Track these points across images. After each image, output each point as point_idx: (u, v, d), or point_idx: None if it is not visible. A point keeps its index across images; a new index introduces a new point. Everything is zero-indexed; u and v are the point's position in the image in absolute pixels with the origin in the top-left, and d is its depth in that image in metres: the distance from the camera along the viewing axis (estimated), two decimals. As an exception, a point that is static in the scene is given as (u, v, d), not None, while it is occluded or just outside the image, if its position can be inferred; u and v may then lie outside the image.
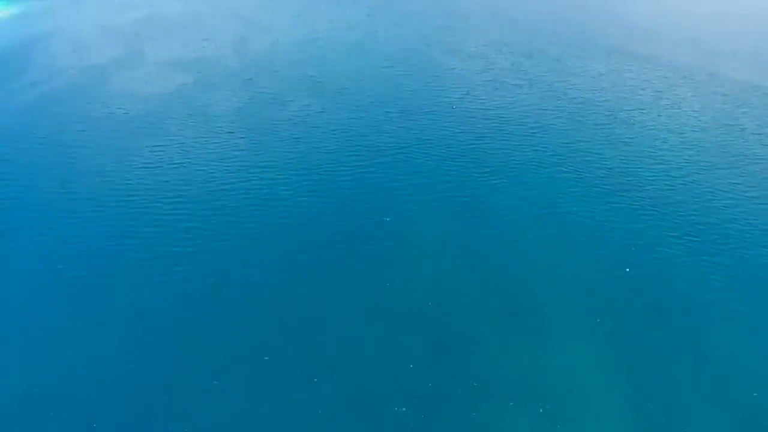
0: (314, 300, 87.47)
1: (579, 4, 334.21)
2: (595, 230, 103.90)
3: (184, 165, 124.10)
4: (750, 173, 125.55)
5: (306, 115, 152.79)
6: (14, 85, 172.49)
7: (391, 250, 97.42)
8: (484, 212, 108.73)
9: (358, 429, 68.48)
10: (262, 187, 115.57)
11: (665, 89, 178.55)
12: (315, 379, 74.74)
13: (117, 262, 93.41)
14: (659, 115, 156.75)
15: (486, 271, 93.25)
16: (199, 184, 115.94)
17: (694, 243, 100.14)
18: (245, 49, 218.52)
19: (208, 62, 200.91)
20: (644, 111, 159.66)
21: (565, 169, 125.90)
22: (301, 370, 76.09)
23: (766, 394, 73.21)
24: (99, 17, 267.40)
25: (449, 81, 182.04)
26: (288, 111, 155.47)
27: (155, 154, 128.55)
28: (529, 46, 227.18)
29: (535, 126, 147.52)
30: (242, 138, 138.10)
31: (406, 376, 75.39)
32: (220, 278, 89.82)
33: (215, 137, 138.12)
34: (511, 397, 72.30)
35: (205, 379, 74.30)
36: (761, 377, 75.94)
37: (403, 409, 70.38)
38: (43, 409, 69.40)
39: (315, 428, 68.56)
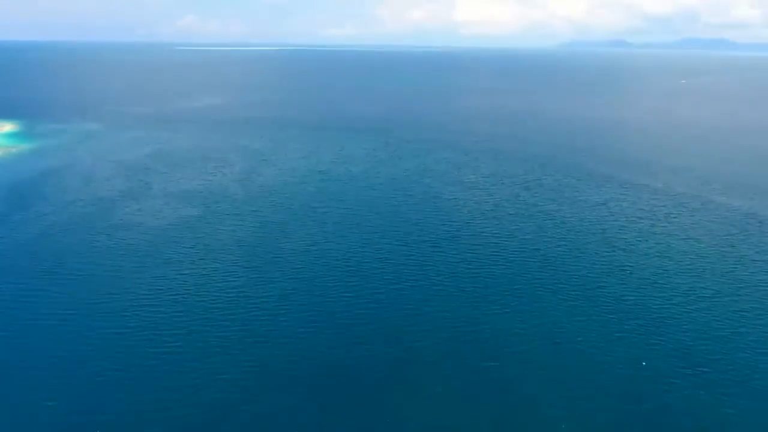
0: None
1: (572, 133, 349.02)
2: (599, 360, 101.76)
3: (185, 297, 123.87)
4: (753, 300, 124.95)
5: (309, 246, 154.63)
6: (23, 215, 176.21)
7: (389, 387, 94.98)
8: (488, 342, 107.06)
9: None
10: (263, 319, 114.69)
11: (662, 217, 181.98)
12: None
13: (106, 397, 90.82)
14: (657, 243, 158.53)
15: (488, 404, 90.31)
16: (200, 317, 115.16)
17: (704, 374, 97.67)
18: (250, 181, 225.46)
19: (214, 194, 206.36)
20: (642, 239, 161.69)
21: (565, 297, 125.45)
22: None
23: None
24: (110, 153, 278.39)
25: (450, 211, 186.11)
26: (291, 242, 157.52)
27: (156, 286, 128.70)
28: (527, 176, 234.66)
29: (535, 254, 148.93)
30: (245, 269, 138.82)
31: None
32: (218, 414, 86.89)
33: (218, 268, 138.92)
34: None
35: None
36: None
37: None
38: None
39: None
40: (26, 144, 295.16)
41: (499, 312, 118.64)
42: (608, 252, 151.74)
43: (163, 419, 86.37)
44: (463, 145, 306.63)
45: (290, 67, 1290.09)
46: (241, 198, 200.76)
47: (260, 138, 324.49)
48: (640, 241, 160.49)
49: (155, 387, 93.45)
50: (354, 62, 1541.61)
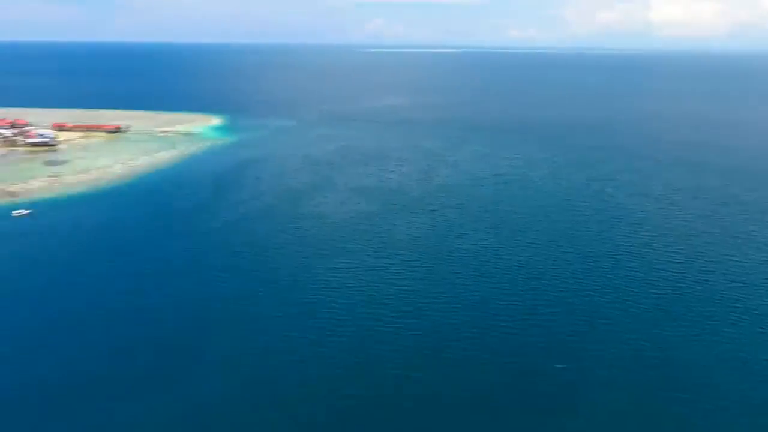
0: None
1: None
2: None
3: (360, 287, 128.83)
4: None
5: (483, 249, 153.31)
6: (224, 201, 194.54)
7: (561, 407, 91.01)
8: (673, 369, 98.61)
9: None
10: (432, 314, 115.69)
11: None
12: None
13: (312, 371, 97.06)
14: None
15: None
16: (370, 308, 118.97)
17: None
18: (427, 181, 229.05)
19: (392, 192, 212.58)
20: None
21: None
22: None
23: None
24: (300, 147, 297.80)
25: (634, 225, 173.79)
26: (465, 243, 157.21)
27: (334, 274, 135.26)
28: (723, 192, 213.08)
29: (730, 281, 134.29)
30: (418, 265, 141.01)
31: None
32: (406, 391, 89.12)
33: (392, 263, 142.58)
34: None
35: None
36: None
37: None
38: None
39: None
40: (230, 137, 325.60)
41: (687, 338, 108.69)
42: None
43: (347, 396, 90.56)
44: (653, 153, 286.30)
45: (471, 69, 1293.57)
46: (417, 196, 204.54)
47: (438, 138, 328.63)
48: None
49: (337, 363, 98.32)
50: (537, 64, 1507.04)
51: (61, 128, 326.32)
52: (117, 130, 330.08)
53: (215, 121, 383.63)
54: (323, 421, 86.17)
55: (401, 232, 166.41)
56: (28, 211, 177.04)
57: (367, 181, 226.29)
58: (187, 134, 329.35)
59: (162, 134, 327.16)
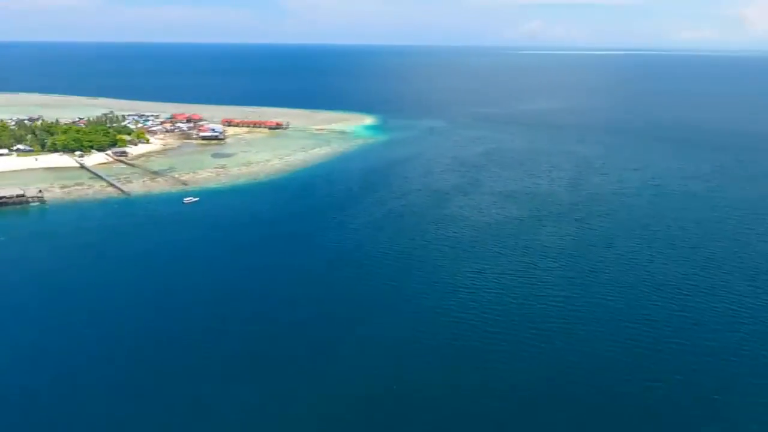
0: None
1: None
2: None
3: (499, 291, 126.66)
4: None
5: (633, 262, 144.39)
6: (372, 198, 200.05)
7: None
8: None
9: None
10: (575, 324, 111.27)
11: None
12: None
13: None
14: None
15: None
16: (510, 316, 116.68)
17: None
18: (577, 188, 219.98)
19: (540, 198, 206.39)
20: None
21: None
22: None
23: None
24: (448, 149, 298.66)
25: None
26: (613, 255, 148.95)
27: (473, 279, 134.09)
28: None
29: None
30: (562, 275, 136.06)
31: None
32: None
33: (532, 271, 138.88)
34: None
35: None
36: None
37: None
38: None
39: None
40: (381, 136, 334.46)
41: None
42: None
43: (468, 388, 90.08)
44: None
45: (632, 72, 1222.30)
46: (566, 204, 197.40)
47: (591, 144, 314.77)
48: None
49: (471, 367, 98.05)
50: (709, 68, 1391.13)
51: (229, 123, 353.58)
52: (278, 126, 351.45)
53: (368, 120, 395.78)
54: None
55: (546, 238, 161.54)
56: (196, 199, 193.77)
57: (514, 185, 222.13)
58: (341, 132, 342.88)
59: (318, 132, 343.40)
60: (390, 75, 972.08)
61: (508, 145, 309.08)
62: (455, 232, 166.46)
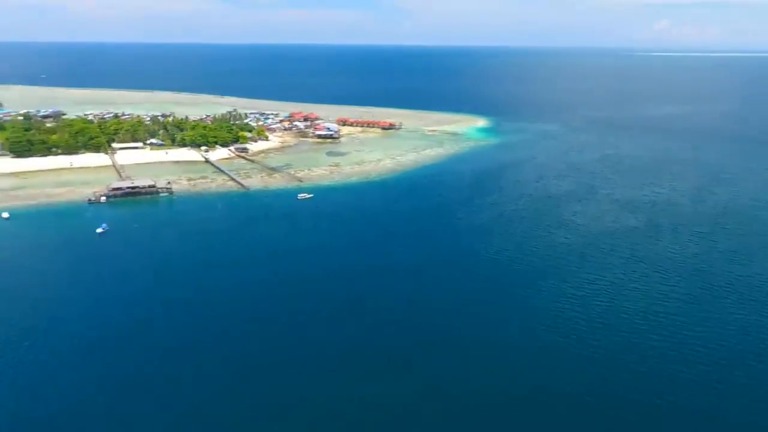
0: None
1: None
2: None
3: (606, 305, 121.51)
4: None
5: (759, 280, 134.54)
6: (482, 201, 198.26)
7: None
8: None
9: None
10: (693, 344, 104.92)
11: None
12: None
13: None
14: None
15: None
16: (619, 332, 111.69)
17: None
18: (701, 199, 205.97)
19: (659, 207, 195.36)
20: None
21: None
22: None
23: None
24: (562, 153, 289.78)
25: None
26: (740, 273, 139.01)
27: (582, 289, 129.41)
28: None
29: None
30: (680, 293, 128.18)
31: None
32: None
33: (647, 285, 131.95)
34: None
35: None
36: None
37: None
38: None
39: None
40: (493, 138, 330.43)
41: None
42: None
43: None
44: None
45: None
46: (687, 215, 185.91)
47: (719, 152, 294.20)
48: None
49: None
50: None
51: (344, 123, 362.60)
52: (391, 127, 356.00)
53: (481, 122, 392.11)
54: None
55: (663, 252, 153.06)
56: (310, 195, 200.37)
57: (632, 193, 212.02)
58: (453, 134, 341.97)
59: (430, 133, 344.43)
60: (506, 77, 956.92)
61: (627, 151, 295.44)
62: (567, 240, 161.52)
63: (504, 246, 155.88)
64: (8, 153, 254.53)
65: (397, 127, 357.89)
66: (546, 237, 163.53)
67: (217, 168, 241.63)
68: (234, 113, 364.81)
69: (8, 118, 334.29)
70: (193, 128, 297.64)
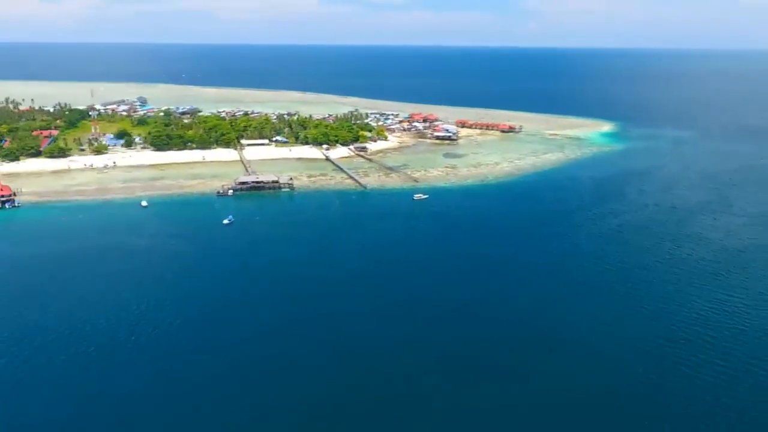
0: None
1: None
2: None
3: (739, 329, 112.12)
4: None
5: None
6: (601, 209, 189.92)
7: None
8: None
9: None
10: None
11: None
12: None
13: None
14: None
15: None
16: (752, 359, 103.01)
17: None
18: None
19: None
20: None
21: None
22: None
23: None
24: (695, 162, 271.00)
25: None
26: None
27: (710, 309, 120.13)
28: None
29: None
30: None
31: None
32: None
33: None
34: None
35: None
36: None
37: None
38: None
39: None
40: (618, 144, 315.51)
41: None
42: None
43: None
44: None
45: None
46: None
47: None
48: None
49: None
50: None
51: (463, 125, 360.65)
52: (510, 130, 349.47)
53: (606, 127, 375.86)
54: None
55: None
56: (425, 196, 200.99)
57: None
58: (576, 138, 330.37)
59: (551, 137, 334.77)
60: (636, 80, 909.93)
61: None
62: (694, 254, 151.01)
63: (624, 257, 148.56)
64: (150, 146, 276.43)
65: (516, 130, 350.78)
66: (672, 250, 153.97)
67: (337, 166, 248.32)
68: (355, 113, 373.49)
69: (151, 114, 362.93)
70: (315, 127, 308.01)
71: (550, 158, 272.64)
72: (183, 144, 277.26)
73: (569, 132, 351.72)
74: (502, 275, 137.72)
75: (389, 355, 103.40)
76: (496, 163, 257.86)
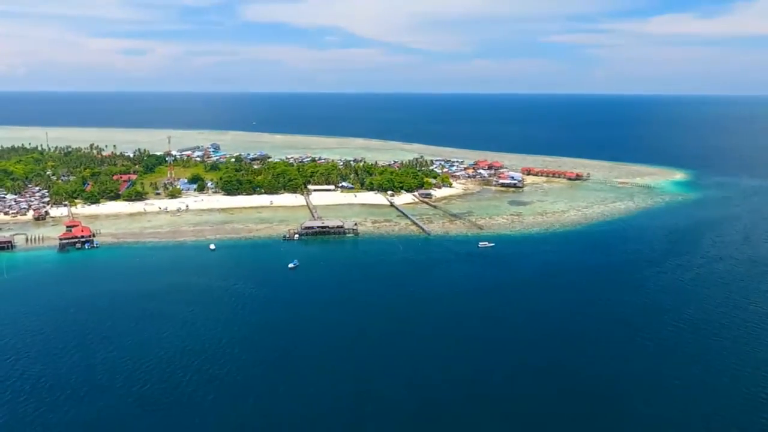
0: None
1: None
2: None
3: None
4: None
5: None
6: (677, 261, 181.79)
7: None
8: None
9: None
10: None
11: None
12: None
13: None
14: None
15: None
16: None
17: None
18: None
19: None
20: None
21: None
22: None
23: None
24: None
25: None
26: None
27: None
28: None
29: None
30: None
31: None
32: None
33: None
34: None
35: None
36: None
37: None
38: None
39: None
40: (692, 193, 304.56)
41: None
42: None
43: None
44: None
45: None
46: None
47: None
48: None
49: None
50: None
51: (528, 172, 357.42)
52: (578, 177, 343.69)
53: (678, 175, 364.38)
54: None
55: None
56: (491, 244, 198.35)
57: None
58: (646, 187, 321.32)
59: (621, 185, 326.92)
60: (710, 127, 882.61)
61: None
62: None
63: (700, 311, 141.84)
64: (221, 190, 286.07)
65: (584, 177, 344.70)
66: (751, 307, 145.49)
67: (401, 212, 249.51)
68: (420, 160, 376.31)
69: (223, 160, 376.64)
70: (381, 173, 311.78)
71: (619, 207, 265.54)
72: (252, 189, 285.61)
73: (639, 180, 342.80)
74: (571, 331, 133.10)
75: (459, 410, 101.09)
76: (563, 212, 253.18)
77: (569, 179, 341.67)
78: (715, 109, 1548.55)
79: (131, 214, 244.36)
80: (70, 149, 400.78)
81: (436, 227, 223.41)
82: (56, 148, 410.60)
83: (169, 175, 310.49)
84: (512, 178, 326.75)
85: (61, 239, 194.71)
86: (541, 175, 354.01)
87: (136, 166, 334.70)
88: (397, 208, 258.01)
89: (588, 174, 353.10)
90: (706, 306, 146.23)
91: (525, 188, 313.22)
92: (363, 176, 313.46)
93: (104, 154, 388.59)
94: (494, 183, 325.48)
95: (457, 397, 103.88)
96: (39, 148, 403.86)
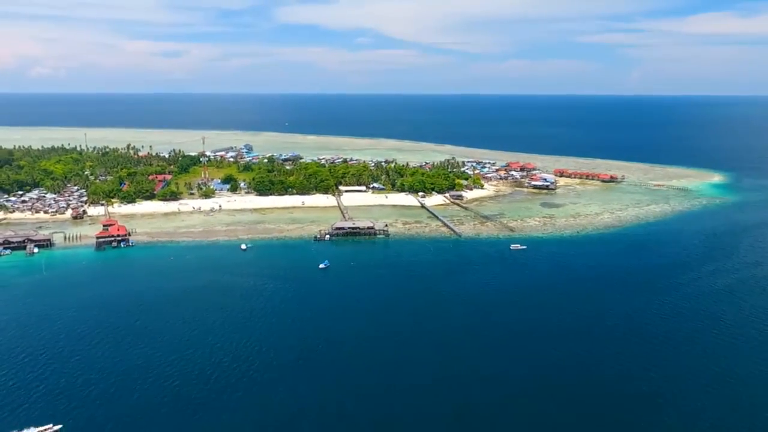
0: None
1: None
2: None
3: None
4: None
5: None
6: (715, 266, 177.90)
7: None
8: None
9: None
10: None
11: None
12: None
13: None
14: None
15: None
16: None
17: None
18: None
19: None
20: None
21: None
22: None
23: None
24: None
25: None
26: None
27: None
28: None
29: None
30: None
31: None
32: None
33: None
34: None
35: None
36: None
37: None
38: None
39: None
40: (730, 196, 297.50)
41: None
42: None
43: None
44: None
45: None
46: None
47: None
48: None
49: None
50: None
51: (561, 174, 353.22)
52: (612, 179, 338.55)
53: (716, 177, 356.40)
54: None
55: None
56: (523, 247, 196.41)
57: None
58: (683, 189, 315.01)
59: (656, 187, 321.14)
60: (749, 129, 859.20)
61: None
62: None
63: (738, 317, 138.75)
64: (253, 191, 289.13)
65: (618, 180, 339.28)
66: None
67: (432, 213, 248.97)
68: (452, 161, 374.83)
69: (256, 160, 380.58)
70: (412, 174, 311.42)
71: (654, 210, 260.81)
72: (284, 189, 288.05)
73: (675, 182, 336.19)
74: (605, 336, 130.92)
75: (489, 413, 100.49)
76: (597, 214, 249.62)
77: (603, 181, 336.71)
78: (754, 111, 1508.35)
79: (166, 214, 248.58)
80: (107, 150, 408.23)
81: (467, 229, 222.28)
82: (94, 148, 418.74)
83: (203, 176, 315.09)
84: (545, 179, 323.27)
85: (98, 238, 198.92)
86: (575, 177, 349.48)
87: (171, 167, 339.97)
88: (428, 210, 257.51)
89: (622, 176, 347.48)
90: (744, 312, 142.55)
91: (558, 190, 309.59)
92: (394, 177, 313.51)
93: (140, 154, 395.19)
94: (526, 185, 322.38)
95: (488, 401, 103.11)
96: (78, 149, 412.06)
